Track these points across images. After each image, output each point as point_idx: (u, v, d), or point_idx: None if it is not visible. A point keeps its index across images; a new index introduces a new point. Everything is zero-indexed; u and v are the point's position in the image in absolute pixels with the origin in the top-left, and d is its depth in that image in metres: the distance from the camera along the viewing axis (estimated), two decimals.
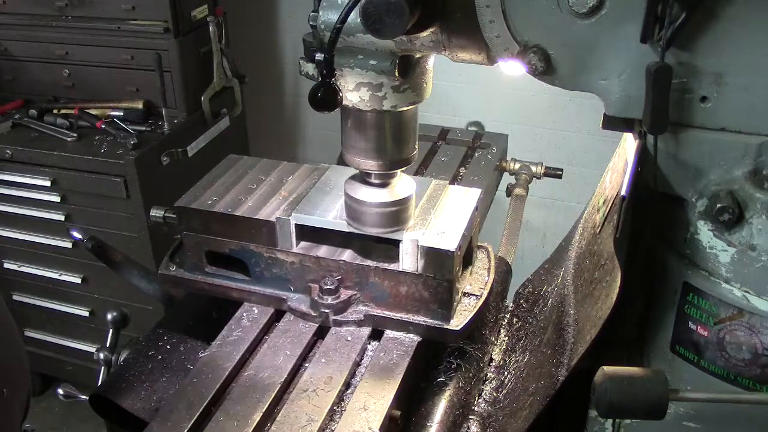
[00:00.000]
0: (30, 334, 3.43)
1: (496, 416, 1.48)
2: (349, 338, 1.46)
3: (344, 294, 1.49)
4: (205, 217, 1.55)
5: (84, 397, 1.54)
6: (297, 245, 1.52)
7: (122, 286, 2.94)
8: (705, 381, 1.17)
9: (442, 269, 1.41)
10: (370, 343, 1.48)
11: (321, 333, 1.49)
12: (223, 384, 1.36)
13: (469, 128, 2.60)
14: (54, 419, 3.60)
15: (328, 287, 1.48)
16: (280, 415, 1.29)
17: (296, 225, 1.50)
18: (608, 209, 1.33)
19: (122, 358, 1.57)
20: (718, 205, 1.08)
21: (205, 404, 1.31)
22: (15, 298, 3.37)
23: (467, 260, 1.56)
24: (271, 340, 1.47)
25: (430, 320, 1.46)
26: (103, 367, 1.61)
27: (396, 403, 1.34)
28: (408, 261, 1.44)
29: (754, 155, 1.08)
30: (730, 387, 1.15)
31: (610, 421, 1.33)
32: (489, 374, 1.62)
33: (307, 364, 1.43)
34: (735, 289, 1.11)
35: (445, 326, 1.45)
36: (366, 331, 1.48)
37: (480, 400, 1.55)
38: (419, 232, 1.44)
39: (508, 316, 1.80)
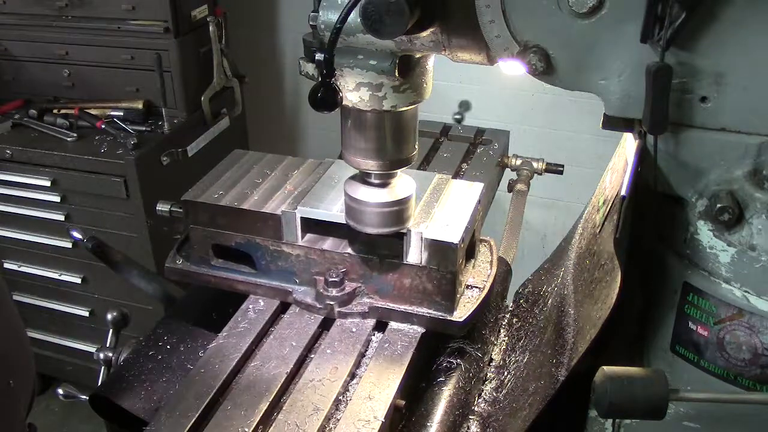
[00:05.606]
0: (30, 334, 3.41)
1: (496, 416, 1.48)
2: (354, 330, 1.48)
3: (349, 286, 1.50)
4: (212, 211, 1.55)
5: (84, 397, 1.54)
6: (302, 238, 1.53)
7: (122, 286, 2.94)
8: (705, 381, 1.17)
9: (446, 261, 1.42)
10: (374, 335, 1.49)
11: (326, 325, 1.51)
12: (230, 375, 1.37)
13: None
14: (54, 419, 3.59)
15: (333, 279, 1.49)
16: (286, 404, 1.31)
17: (302, 218, 1.51)
18: (608, 209, 1.33)
19: (122, 358, 1.57)
20: (718, 205, 1.08)
21: (212, 394, 1.32)
22: (15, 298, 3.36)
23: (470, 253, 1.57)
24: (277, 332, 1.48)
25: (434, 312, 1.47)
26: (103, 367, 1.61)
27: (400, 392, 1.35)
28: (412, 253, 1.45)
29: (754, 155, 1.08)
30: (730, 387, 1.15)
31: (610, 421, 1.33)
32: (489, 374, 1.62)
33: (312, 355, 1.44)
34: (735, 289, 1.11)
35: (449, 318, 1.46)
36: (370, 322, 1.50)
37: (480, 400, 1.55)
38: (423, 225, 1.45)
39: (508, 316, 1.80)
